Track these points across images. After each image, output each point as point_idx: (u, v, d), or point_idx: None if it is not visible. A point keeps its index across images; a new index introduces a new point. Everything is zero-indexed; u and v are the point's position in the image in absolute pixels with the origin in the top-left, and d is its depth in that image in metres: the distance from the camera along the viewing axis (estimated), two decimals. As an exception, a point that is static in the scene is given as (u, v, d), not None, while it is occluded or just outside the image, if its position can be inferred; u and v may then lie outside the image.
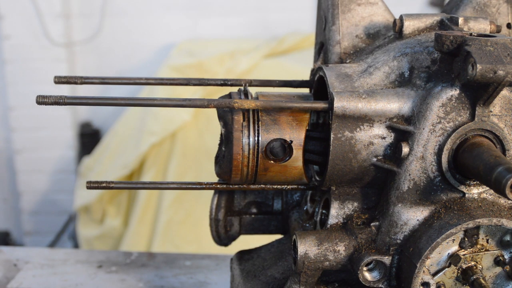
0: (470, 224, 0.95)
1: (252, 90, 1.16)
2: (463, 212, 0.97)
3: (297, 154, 1.08)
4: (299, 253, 1.03)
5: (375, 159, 1.04)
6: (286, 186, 1.14)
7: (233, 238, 1.31)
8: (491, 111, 0.98)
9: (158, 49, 4.48)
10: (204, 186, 1.14)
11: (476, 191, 1.01)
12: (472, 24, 1.06)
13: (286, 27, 4.25)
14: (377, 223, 1.04)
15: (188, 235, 3.28)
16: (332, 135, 1.03)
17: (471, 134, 0.99)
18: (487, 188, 1.00)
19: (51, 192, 4.78)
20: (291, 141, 1.08)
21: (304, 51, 3.83)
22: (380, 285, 1.03)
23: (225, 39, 4.25)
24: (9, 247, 1.97)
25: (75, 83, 1.20)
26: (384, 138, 1.03)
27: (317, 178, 1.14)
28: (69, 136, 4.69)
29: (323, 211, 1.16)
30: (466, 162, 0.96)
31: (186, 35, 4.39)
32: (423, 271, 0.97)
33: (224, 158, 1.10)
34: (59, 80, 1.20)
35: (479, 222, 0.95)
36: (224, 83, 1.26)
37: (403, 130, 1.01)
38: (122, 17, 4.48)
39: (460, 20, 1.06)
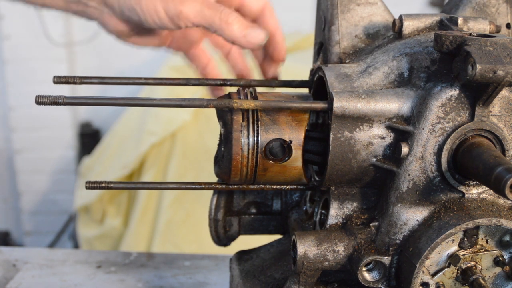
0: (470, 224, 0.95)
1: (252, 90, 1.16)
2: (463, 212, 0.97)
3: (297, 154, 1.08)
4: (298, 253, 1.03)
5: (374, 159, 1.04)
6: (285, 186, 1.14)
7: (232, 238, 1.31)
8: (490, 111, 0.98)
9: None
10: (203, 186, 1.14)
11: (475, 191, 1.00)
12: (472, 24, 1.06)
13: (286, 27, 4.24)
14: (376, 223, 1.04)
15: (188, 235, 3.28)
16: (331, 135, 1.03)
17: (471, 134, 0.98)
18: (487, 188, 1.00)
19: (51, 192, 4.78)
20: (291, 141, 1.08)
21: (304, 51, 3.82)
22: (379, 285, 1.02)
23: (225, 39, 4.24)
24: (8, 247, 1.97)
25: (74, 83, 1.20)
26: (383, 138, 1.03)
27: (317, 178, 1.14)
28: (69, 136, 4.69)
29: (323, 211, 1.16)
30: (465, 162, 0.96)
31: (186, 35, 4.38)
32: (423, 271, 0.97)
33: (223, 158, 1.10)
34: (58, 80, 1.20)
35: (478, 222, 0.95)
36: (224, 83, 1.26)
37: (402, 130, 1.01)
38: (122, 17, 4.47)
39: (460, 20, 1.06)
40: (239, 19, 1.13)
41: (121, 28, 1.21)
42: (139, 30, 1.23)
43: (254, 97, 1.12)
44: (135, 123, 3.81)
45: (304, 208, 1.26)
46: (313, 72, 1.21)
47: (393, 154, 1.03)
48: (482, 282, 0.95)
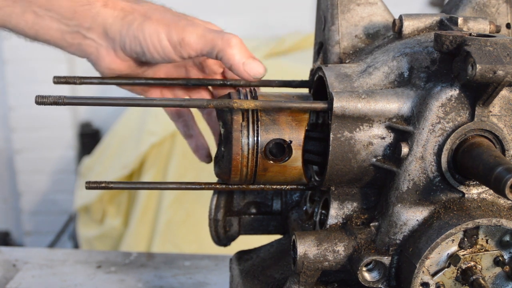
0: (470, 225, 0.95)
1: (252, 90, 1.16)
2: (463, 212, 0.97)
3: (297, 154, 1.08)
4: (298, 253, 1.03)
5: (374, 159, 1.04)
6: (285, 186, 1.14)
7: (232, 238, 1.31)
8: (490, 111, 0.98)
9: (158, 49, 4.46)
10: (203, 186, 1.14)
11: (475, 191, 1.00)
12: (472, 24, 1.06)
13: (286, 27, 4.24)
14: (376, 223, 1.04)
15: (188, 235, 3.28)
16: (331, 135, 1.03)
17: (471, 134, 0.98)
18: (487, 188, 1.00)
19: (51, 192, 4.78)
20: (291, 141, 1.08)
21: (304, 51, 3.82)
22: (379, 285, 1.02)
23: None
24: (8, 247, 1.97)
25: (74, 83, 1.20)
26: (383, 138, 1.03)
27: (317, 178, 1.14)
28: (69, 136, 4.68)
29: (323, 211, 1.16)
30: (465, 162, 0.96)
31: (186, 35, 4.37)
32: (423, 271, 0.97)
33: (223, 158, 1.10)
34: (58, 81, 1.20)
35: (478, 222, 0.95)
36: (224, 83, 1.26)
37: (402, 130, 1.01)
38: (122, 17, 4.46)
39: (460, 20, 1.06)
40: (242, 45, 1.10)
41: (115, 66, 1.17)
42: (133, 69, 1.20)
43: (254, 97, 1.12)
44: (135, 123, 3.81)
45: (304, 208, 1.26)
46: (313, 72, 1.21)
47: (393, 154, 1.03)
48: (482, 282, 0.95)
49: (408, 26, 1.10)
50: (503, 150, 0.99)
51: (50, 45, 1.17)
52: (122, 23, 1.11)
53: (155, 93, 1.29)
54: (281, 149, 1.09)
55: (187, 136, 1.30)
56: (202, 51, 1.10)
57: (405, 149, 1.00)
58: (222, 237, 1.29)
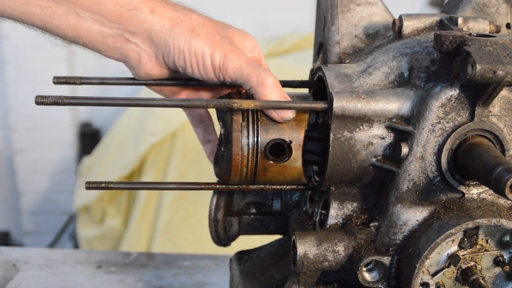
0: (470, 225, 0.95)
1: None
2: (463, 213, 0.97)
3: (297, 154, 1.08)
4: (298, 253, 1.03)
5: (374, 159, 1.04)
6: (285, 186, 1.14)
7: (232, 238, 1.31)
8: (490, 111, 0.98)
9: (158, 49, 4.46)
10: (203, 186, 1.14)
11: (475, 191, 1.00)
12: (472, 24, 1.06)
13: (286, 27, 4.24)
14: (376, 223, 1.04)
15: (188, 235, 3.28)
16: (331, 135, 1.03)
17: (471, 134, 0.98)
18: (487, 188, 1.00)
19: (51, 192, 4.78)
20: (291, 141, 1.08)
21: (304, 51, 3.82)
22: (379, 286, 1.03)
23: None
24: (8, 247, 1.97)
25: (74, 83, 1.20)
26: (383, 138, 1.03)
27: (317, 178, 1.14)
28: (69, 136, 4.69)
29: (323, 212, 1.16)
30: (465, 162, 0.96)
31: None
32: (423, 271, 0.97)
33: (223, 158, 1.10)
34: (58, 81, 1.20)
35: (478, 222, 0.95)
36: (223, 83, 1.26)
37: (402, 130, 1.01)
38: (122, 17, 4.46)
39: (460, 20, 1.06)
40: (275, 85, 1.08)
41: (154, 72, 1.15)
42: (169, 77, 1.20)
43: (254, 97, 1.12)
44: (135, 123, 3.81)
45: (304, 208, 1.26)
46: (313, 72, 1.21)
47: (393, 154, 1.03)
48: (482, 282, 0.95)
49: (408, 26, 1.10)
50: (503, 150, 0.99)
51: (88, 48, 1.15)
52: (168, 33, 1.09)
53: (183, 96, 1.29)
54: (281, 149, 1.09)
55: (205, 141, 1.30)
56: (237, 81, 1.11)
57: (405, 149, 1.00)
58: (222, 237, 1.29)
